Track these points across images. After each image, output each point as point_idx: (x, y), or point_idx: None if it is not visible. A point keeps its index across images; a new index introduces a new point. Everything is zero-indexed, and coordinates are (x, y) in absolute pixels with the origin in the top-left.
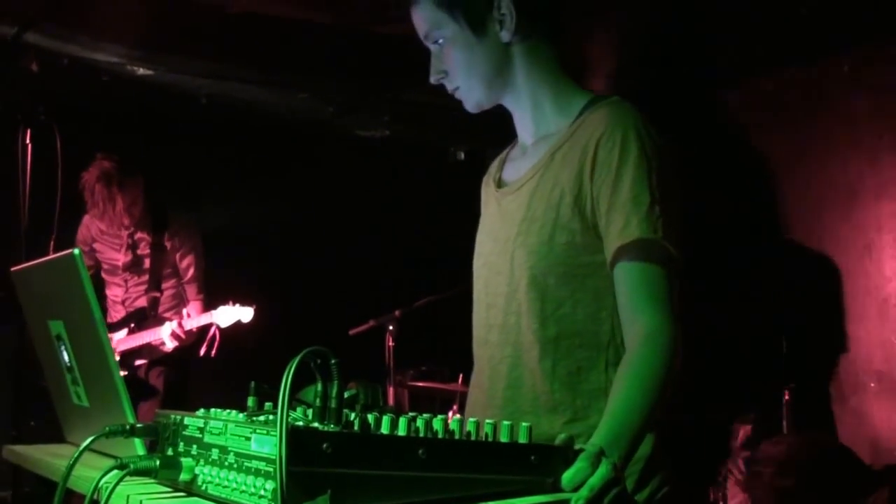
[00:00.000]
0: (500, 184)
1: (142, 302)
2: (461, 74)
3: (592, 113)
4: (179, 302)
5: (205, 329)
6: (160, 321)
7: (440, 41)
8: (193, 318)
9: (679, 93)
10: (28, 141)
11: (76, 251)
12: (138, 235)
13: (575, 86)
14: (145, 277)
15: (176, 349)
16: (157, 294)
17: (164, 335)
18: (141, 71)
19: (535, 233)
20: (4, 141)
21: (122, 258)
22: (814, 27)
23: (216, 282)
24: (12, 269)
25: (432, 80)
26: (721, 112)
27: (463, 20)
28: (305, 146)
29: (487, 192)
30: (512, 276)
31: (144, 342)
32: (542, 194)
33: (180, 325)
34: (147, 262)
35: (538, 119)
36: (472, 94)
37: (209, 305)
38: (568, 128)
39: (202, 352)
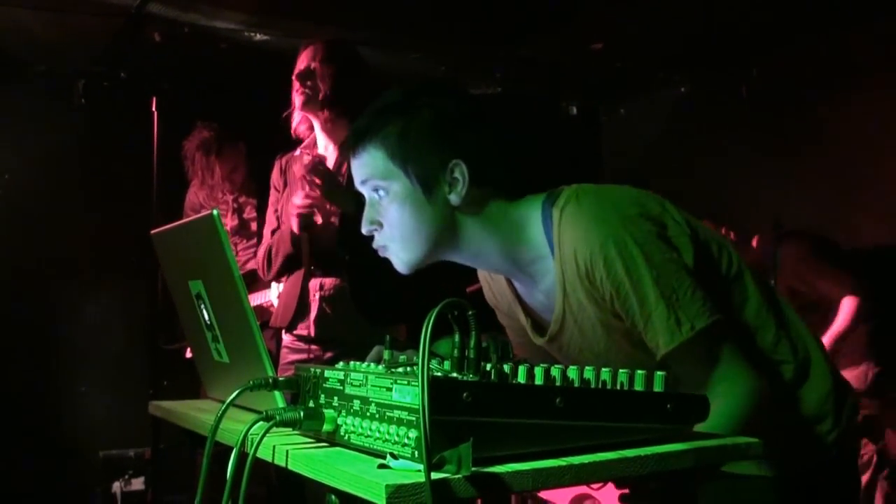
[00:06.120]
0: (535, 328)
1: (252, 265)
2: (399, 232)
3: (560, 239)
4: None
5: None
6: (269, 284)
7: (381, 193)
8: None
9: None
10: (154, 109)
11: (215, 211)
12: (243, 199)
13: (521, 209)
14: (253, 241)
15: None
16: None
17: (274, 297)
18: (258, 37)
19: (604, 350)
20: (132, 111)
21: (229, 222)
22: None
23: None
24: (152, 231)
25: (365, 231)
26: None
27: (414, 177)
28: None
29: (515, 323)
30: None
31: (255, 304)
32: (587, 328)
33: None
34: (254, 226)
35: (516, 265)
36: (407, 255)
37: None
38: (553, 263)
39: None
